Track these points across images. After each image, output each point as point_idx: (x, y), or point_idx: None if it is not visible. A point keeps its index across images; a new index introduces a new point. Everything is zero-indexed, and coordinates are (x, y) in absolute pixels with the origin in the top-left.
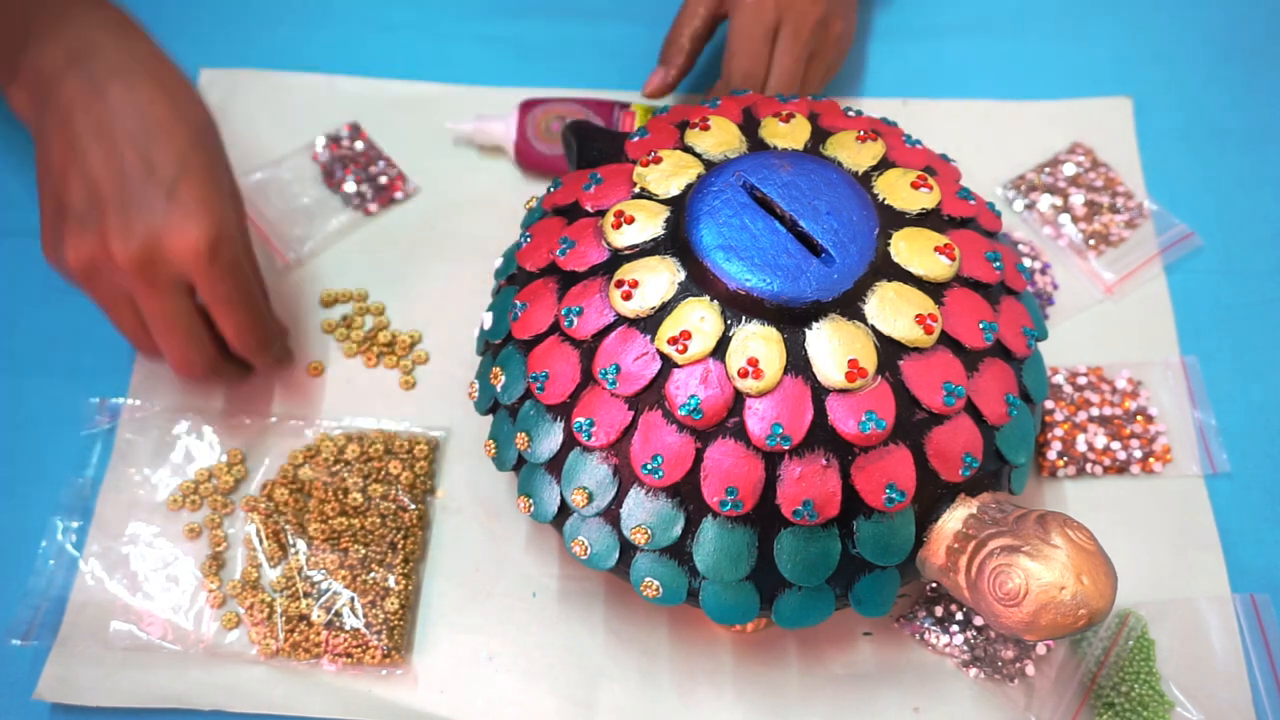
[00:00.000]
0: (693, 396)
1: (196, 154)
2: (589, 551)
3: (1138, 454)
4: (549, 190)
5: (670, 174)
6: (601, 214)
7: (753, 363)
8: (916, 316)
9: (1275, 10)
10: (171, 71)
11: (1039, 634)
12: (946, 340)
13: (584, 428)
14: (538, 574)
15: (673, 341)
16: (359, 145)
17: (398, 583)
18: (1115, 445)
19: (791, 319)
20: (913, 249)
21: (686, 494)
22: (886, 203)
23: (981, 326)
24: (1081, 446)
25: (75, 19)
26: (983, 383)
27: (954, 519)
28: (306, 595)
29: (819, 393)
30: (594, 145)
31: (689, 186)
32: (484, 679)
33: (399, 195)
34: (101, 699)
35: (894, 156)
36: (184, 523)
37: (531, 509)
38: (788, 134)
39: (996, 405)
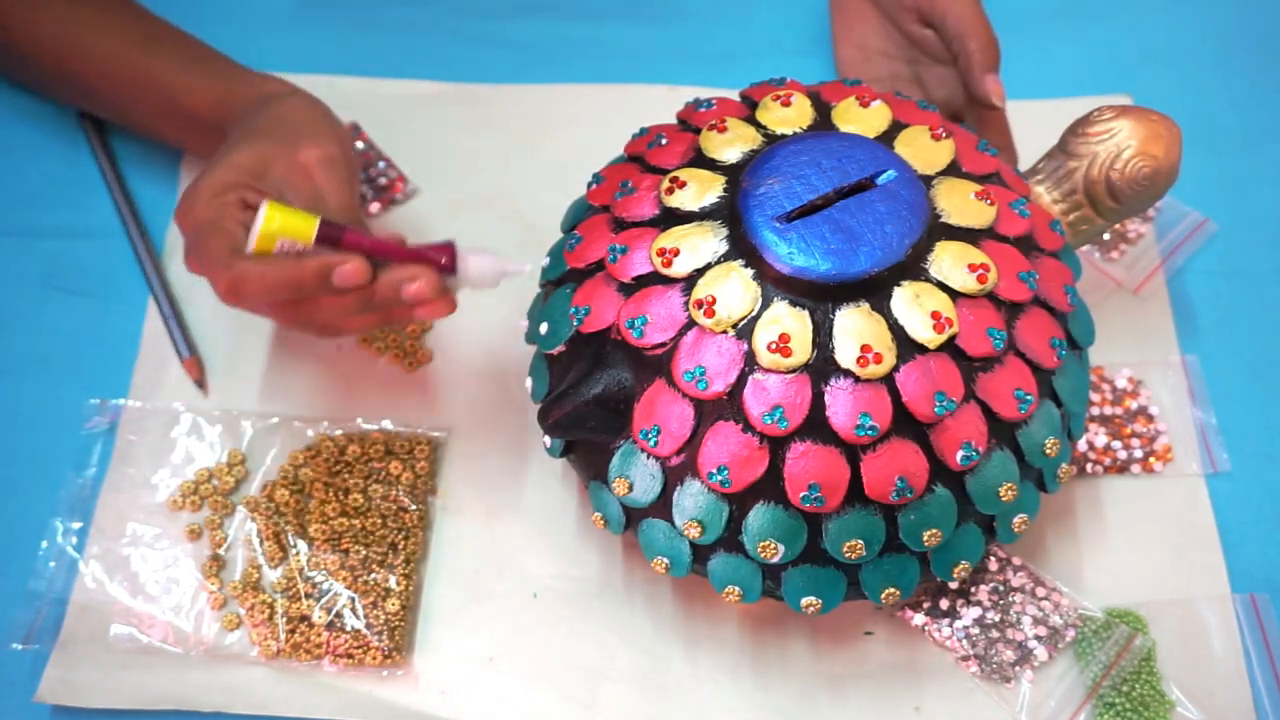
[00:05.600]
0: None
1: None
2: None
3: (1138, 453)
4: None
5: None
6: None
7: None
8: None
9: (1275, 10)
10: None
11: (1174, 169)
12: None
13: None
14: (538, 575)
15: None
16: (359, 145)
17: (399, 583)
18: (1116, 445)
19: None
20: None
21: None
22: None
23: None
24: (1082, 446)
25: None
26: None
27: (1040, 200)
28: (307, 596)
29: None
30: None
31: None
32: (485, 680)
33: (399, 196)
34: (102, 701)
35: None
36: (184, 523)
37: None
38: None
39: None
